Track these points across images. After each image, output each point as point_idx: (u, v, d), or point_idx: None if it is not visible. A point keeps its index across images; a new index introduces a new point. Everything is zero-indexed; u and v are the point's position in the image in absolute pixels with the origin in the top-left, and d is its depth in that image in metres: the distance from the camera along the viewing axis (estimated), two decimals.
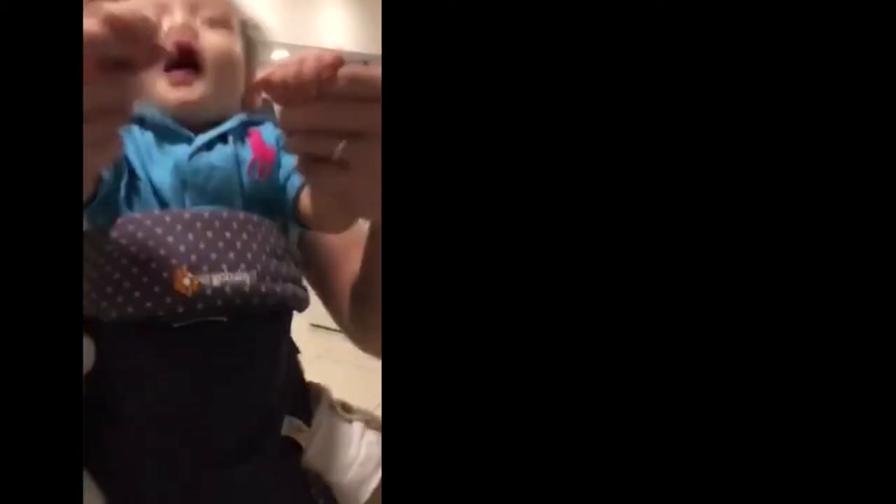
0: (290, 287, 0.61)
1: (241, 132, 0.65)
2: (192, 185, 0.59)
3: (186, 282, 0.52)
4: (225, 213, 0.58)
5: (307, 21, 5.56)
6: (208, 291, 0.53)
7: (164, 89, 0.62)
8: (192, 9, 0.63)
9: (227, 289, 0.54)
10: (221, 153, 0.62)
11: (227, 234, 0.56)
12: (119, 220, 0.58)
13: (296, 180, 0.64)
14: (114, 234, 0.56)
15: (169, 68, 0.61)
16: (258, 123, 0.67)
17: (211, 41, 0.63)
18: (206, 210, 0.57)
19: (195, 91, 0.63)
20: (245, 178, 0.62)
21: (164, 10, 0.62)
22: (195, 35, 0.62)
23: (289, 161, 0.63)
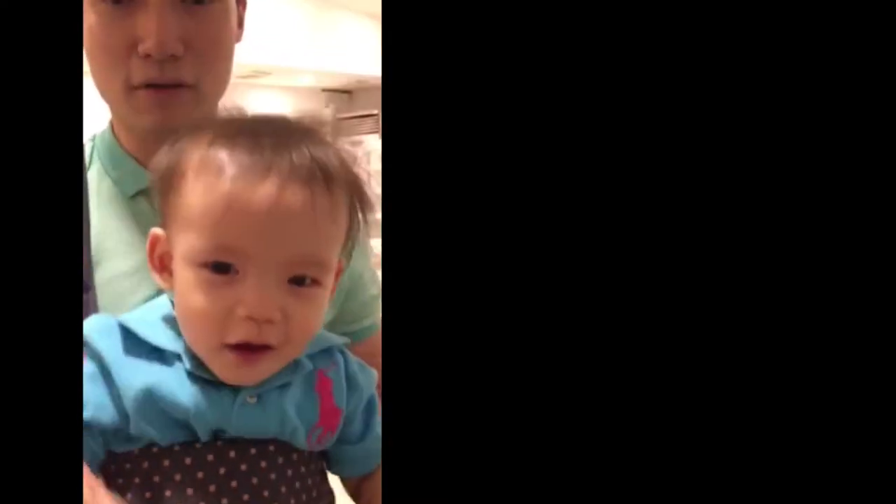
0: None
1: (310, 378, 0.55)
2: (235, 433, 0.52)
3: None
4: (253, 450, 0.51)
5: (330, 44, 5.64)
6: None
7: (226, 364, 0.51)
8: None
9: None
10: (274, 410, 0.52)
11: (255, 480, 0.50)
12: (155, 450, 0.52)
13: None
14: (145, 465, 0.51)
15: (236, 347, 0.49)
16: (330, 357, 0.56)
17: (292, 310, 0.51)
18: (232, 448, 0.51)
19: (261, 370, 0.53)
20: (301, 442, 0.53)
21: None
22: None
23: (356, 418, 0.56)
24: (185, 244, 0.50)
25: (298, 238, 0.50)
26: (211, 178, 0.48)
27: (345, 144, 0.59)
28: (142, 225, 0.60)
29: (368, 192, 0.56)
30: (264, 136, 0.50)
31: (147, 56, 0.54)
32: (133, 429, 0.50)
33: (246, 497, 0.48)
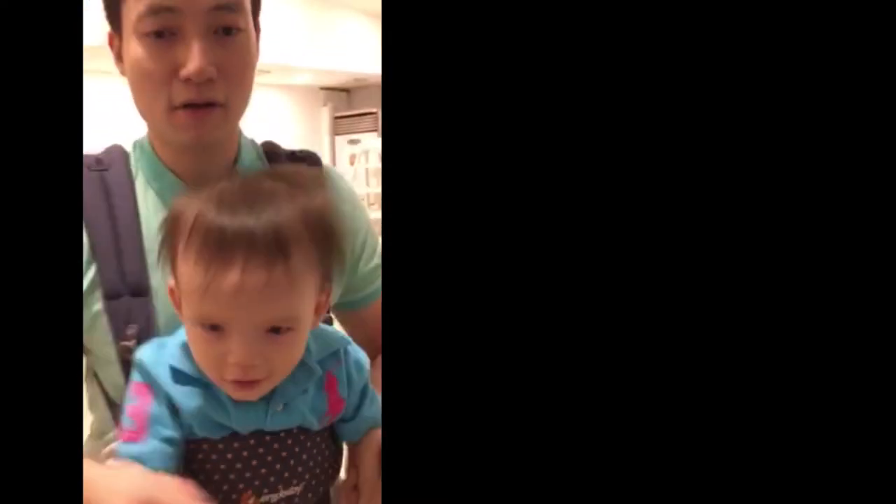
0: (330, 483, 0.71)
1: (321, 380, 0.68)
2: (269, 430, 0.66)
3: (251, 502, 0.64)
4: (282, 434, 0.65)
5: (329, 42, 5.64)
6: None
7: (230, 391, 0.63)
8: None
9: (281, 502, 0.65)
10: (296, 412, 0.66)
11: (284, 454, 0.65)
12: (192, 443, 0.64)
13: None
14: (189, 452, 0.64)
15: (233, 381, 0.62)
16: (335, 358, 0.70)
17: (277, 352, 0.62)
18: (267, 434, 0.65)
19: (256, 393, 0.64)
20: (315, 427, 0.68)
21: None
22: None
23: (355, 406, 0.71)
24: (184, 304, 0.62)
25: (267, 306, 0.60)
26: (190, 261, 0.59)
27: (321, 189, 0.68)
28: None
29: (339, 239, 0.64)
30: (239, 208, 0.59)
31: (188, 80, 0.64)
32: (189, 434, 0.63)
33: (277, 466, 0.64)
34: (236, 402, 0.62)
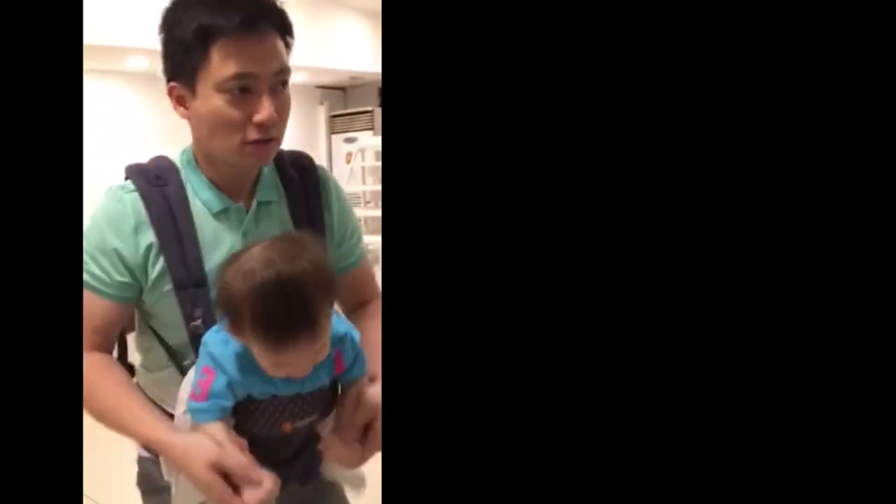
0: (330, 410, 0.97)
1: (332, 356, 0.90)
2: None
3: (287, 427, 0.89)
4: (306, 391, 0.90)
5: (325, 41, 5.63)
6: (296, 428, 0.90)
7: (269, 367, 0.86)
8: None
9: (305, 425, 0.91)
10: (320, 380, 0.90)
11: (309, 400, 0.90)
12: (245, 400, 0.89)
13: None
14: (241, 405, 0.89)
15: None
16: (342, 339, 0.92)
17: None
18: (303, 392, 0.89)
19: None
20: (327, 383, 0.92)
21: None
22: None
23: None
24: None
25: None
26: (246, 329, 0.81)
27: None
28: (225, 233, 0.95)
29: (332, 277, 0.85)
30: (272, 303, 0.79)
31: (260, 124, 0.87)
32: (242, 399, 0.87)
33: (304, 407, 0.89)
34: (283, 379, 0.85)
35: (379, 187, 4.22)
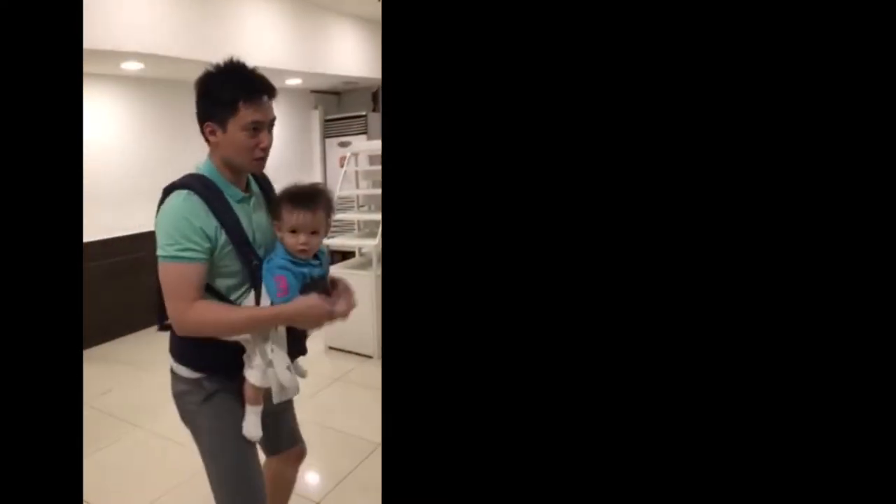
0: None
1: (325, 277, 1.57)
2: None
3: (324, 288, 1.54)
4: (317, 274, 1.53)
5: (319, 46, 5.63)
6: None
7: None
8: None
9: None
10: (321, 270, 1.53)
11: (319, 281, 1.52)
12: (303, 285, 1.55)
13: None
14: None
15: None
16: (325, 262, 1.58)
17: None
18: (314, 276, 1.52)
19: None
20: (324, 274, 1.60)
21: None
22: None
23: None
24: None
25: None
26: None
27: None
28: (242, 213, 1.48)
29: (331, 204, 1.55)
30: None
31: (264, 147, 1.46)
32: (301, 284, 1.48)
33: (325, 280, 1.53)
34: (303, 262, 1.46)
35: (372, 191, 4.21)
